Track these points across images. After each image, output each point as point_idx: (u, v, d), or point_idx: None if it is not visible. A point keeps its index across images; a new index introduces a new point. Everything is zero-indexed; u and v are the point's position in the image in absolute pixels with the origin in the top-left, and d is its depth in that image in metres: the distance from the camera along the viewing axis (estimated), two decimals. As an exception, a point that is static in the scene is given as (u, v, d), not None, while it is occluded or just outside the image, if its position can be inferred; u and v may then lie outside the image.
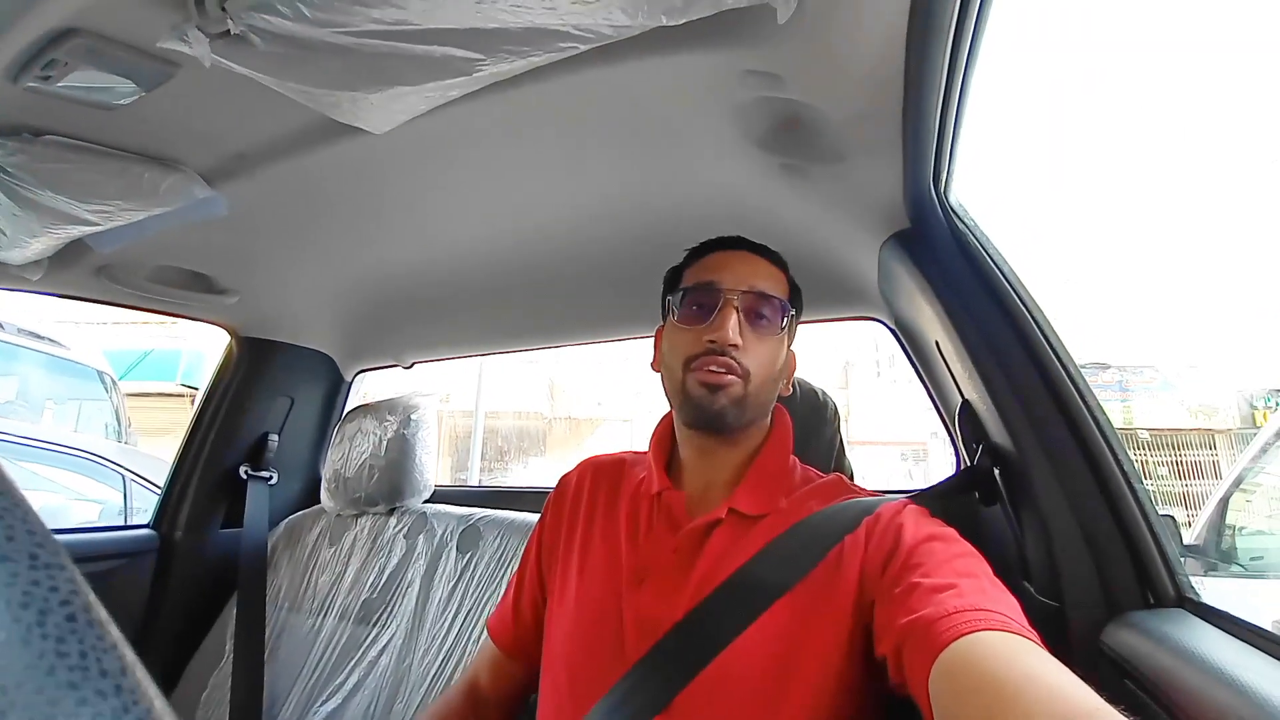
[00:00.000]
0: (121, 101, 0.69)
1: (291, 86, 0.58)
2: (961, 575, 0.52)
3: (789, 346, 0.76)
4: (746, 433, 0.73)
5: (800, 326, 1.22)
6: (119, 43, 0.60)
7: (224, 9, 0.50)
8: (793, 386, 0.96)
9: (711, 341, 0.67)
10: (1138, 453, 8.06)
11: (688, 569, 0.66)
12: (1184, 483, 7.50)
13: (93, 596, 0.13)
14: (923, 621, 0.47)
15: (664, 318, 0.77)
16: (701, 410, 0.68)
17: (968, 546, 0.59)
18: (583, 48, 0.55)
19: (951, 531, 0.61)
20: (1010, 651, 0.43)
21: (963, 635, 0.44)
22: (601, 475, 0.81)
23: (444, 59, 0.55)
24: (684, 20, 0.50)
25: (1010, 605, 0.49)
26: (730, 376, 0.67)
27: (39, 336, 3.24)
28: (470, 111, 0.72)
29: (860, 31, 0.55)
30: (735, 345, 0.67)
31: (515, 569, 0.87)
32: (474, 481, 8.08)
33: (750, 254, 0.75)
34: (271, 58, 0.54)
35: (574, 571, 0.74)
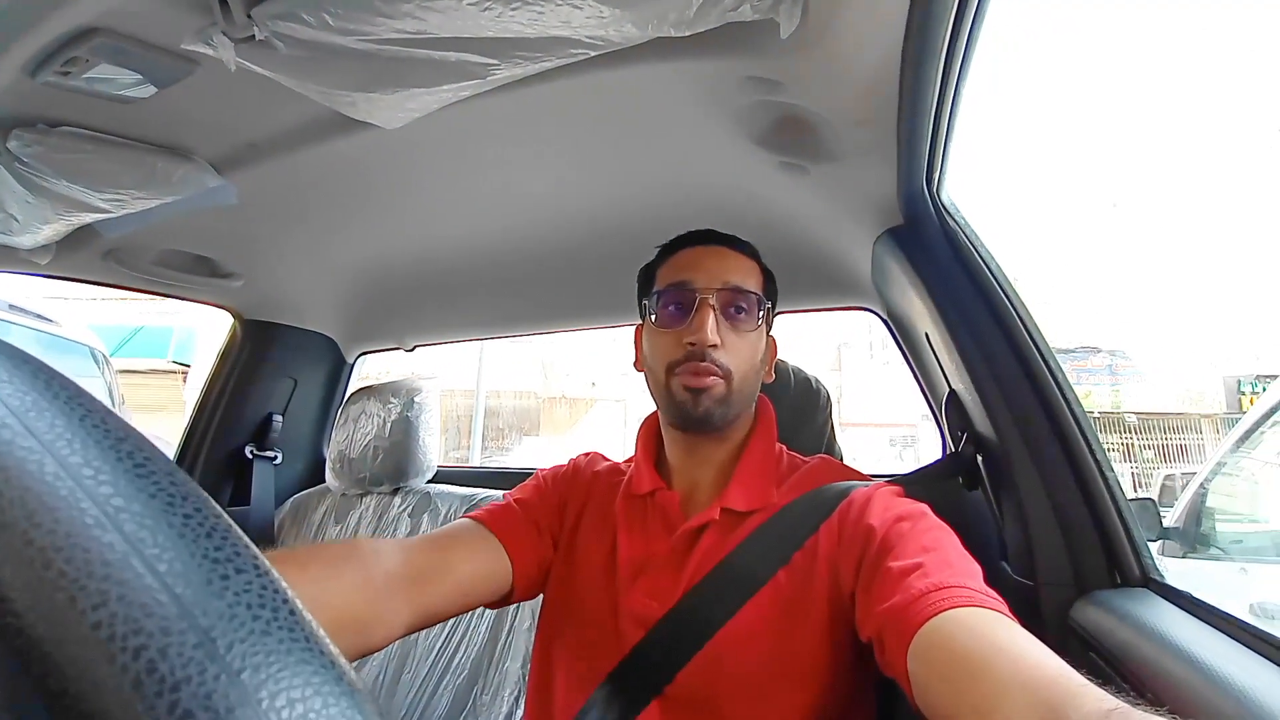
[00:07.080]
0: (139, 96, 0.71)
1: (310, 87, 0.60)
2: (927, 550, 0.55)
3: (768, 334, 0.76)
4: (733, 427, 0.73)
5: (794, 315, 1.25)
6: (141, 42, 0.61)
7: (250, 16, 0.52)
8: (789, 375, 0.99)
9: (691, 344, 0.67)
10: (1125, 436, 8.16)
11: (681, 566, 0.67)
12: (1169, 466, 7.63)
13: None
14: (895, 609, 0.50)
15: (641, 318, 0.76)
16: (687, 413, 0.69)
17: (934, 521, 0.61)
18: (592, 54, 0.57)
19: (920, 508, 0.62)
20: (977, 625, 0.46)
21: (931, 617, 0.47)
22: (601, 475, 0.80)
23: (459, 63, 0.57)
24: (691, 32, 0.52)
25: (974, 574, 0.52)
26: (712, 379, 0.67)
27: (27, 313, 3.15)
28: (477, 108, 0.73)
29: (859, 46, 0.57)
30: (715, 346, 0.67)
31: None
32: (474, 461, 8.13)
33: (722, 248, 0.73)
34: (293, 61, 0.56)
35: (571, 561, 0.74)
